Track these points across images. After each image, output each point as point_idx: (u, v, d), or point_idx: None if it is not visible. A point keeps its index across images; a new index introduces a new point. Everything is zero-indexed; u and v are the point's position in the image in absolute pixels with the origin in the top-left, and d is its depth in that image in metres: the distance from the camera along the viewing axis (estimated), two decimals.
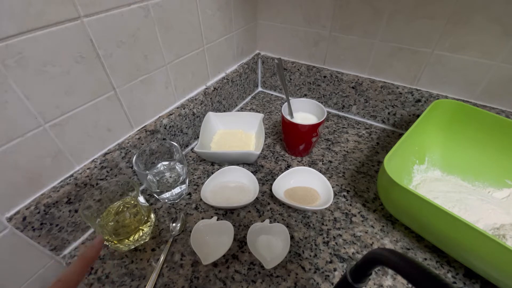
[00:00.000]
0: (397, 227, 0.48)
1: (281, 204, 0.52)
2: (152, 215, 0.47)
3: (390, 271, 0.42)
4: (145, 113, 0.54)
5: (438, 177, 0.55)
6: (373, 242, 0.46)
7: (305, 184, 0.55)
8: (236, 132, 0.67)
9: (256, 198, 0.53)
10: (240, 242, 0.46)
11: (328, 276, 0.42)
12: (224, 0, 0.62)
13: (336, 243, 0.46)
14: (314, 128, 0.55)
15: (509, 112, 0.56)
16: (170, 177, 0.54)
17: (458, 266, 0.43)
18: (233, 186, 0.56)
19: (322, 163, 0.61)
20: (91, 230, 0.49)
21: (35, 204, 0.39)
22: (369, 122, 0.74)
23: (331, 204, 0.51)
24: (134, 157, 0.48)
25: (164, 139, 0.58)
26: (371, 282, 0.41)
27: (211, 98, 0.68)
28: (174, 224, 0.49)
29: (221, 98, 0.72)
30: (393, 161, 0.44)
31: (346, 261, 0.44)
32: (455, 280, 0.41)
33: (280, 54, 0.79)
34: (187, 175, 0.54)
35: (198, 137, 0.65)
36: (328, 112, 0.77)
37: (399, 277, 0.41)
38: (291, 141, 0.61)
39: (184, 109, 0.60)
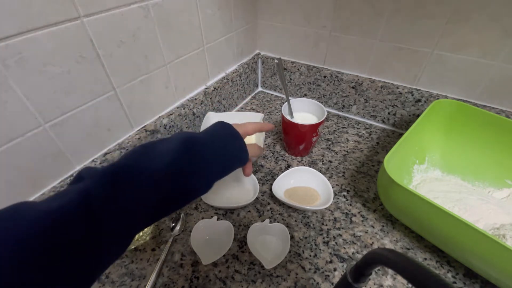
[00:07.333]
0: (397, 227, 0.48)
1: (281, 204, 0.52)
2: None
3: (390, 271, 0.42)
4: (145, 113, 0.54)
5: (438, 177, 0.55)
6: (373, 242, 0.46)
7: (305, 184, 0.55)
8: None
9: (256, 198, 0.53)
10: (240, 242, 0.46)
11: (328, 276, 0.42)
12: None
13: (336, 243, 0.46)
14: (314, 128, 0.55)
15: (509, 112, 0.56)
16: None
17: (458, 266, 0.43)
18: (233, 186, 0.56)
19: (322, 163, 0.61)
20: None
21: None
22: (369, 122, 0.74)
23: (331, 204, 0.51)
24: None
25: None
26: (371, 282, 0.41)
27: (211, 98, 0.68)
28: (174, 224, 0.49)
29: (221, 98, 0.72)
30: (393, 161, 0.44)
31: (346, 261, 0.44)
32: (455, 280, 0.41)
33: (280, 54, 0.79)
34: None
35: None
36: (328, 112, 0.77)
37: (399, 277, 0.41)
38: (291, 141, 0.61)
39: (184, 109, 0.60)
